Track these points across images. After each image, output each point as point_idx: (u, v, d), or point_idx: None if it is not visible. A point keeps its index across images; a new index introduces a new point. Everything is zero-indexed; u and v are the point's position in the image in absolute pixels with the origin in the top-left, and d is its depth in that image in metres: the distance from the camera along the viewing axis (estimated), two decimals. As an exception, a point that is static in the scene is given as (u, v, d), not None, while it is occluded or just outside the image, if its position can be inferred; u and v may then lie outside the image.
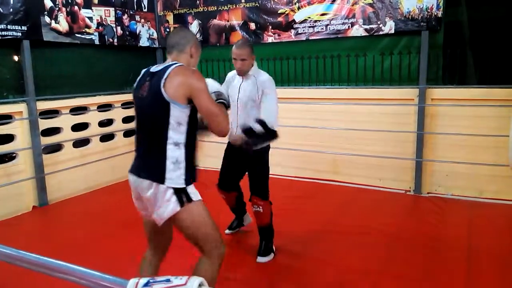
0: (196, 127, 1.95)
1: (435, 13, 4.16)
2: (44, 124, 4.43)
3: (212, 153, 5.59)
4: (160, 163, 1.84)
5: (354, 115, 4.72)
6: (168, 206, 1.85)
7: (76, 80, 4.86)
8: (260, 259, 3.02)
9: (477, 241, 3.24)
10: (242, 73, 2.93)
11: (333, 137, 4.86)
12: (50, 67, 4.57)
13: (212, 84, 2.08)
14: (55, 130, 4.64)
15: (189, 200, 1.88)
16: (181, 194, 1.86)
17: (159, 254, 2.17)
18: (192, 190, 1.92)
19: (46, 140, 4.46)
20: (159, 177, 1.83)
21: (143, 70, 2.03)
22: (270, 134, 2.73)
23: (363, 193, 4.56)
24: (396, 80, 4.55)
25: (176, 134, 1.86)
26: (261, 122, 2.73)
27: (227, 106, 2.06)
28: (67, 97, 4.66)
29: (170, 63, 1.91)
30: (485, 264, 2.89)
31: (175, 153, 1.86)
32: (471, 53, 4.28)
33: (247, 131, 2.75)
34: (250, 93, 2.90)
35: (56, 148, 4.64)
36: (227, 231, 3.49)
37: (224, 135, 1.94)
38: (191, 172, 1.91)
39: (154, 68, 1.94)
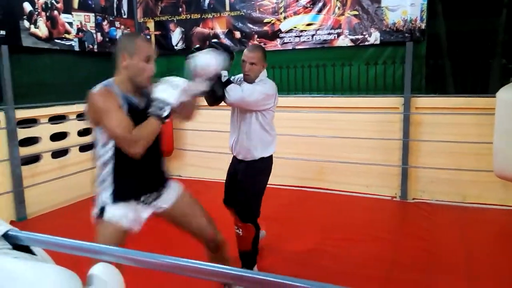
0: None
1: (419, 25, 4.32)
2: (22, 133, 4.19)
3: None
4: None
5: (340, 123, 4.79)
6: None
7: (55, 88, 4.62)
8: None
9: (472, 243, 3.38)
10: (248, 79, 2.75)
11: (319, 145, 4.90)
12: (28, 74, 4.34)
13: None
14: (31, 140, 4.39)
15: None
16: None
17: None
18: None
19: (25, 151, 4.21)
20: None
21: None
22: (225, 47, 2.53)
23: (351, 200, 4.62)
24: (381, 89, 4.67)
25: None
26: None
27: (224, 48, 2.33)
28: (46, 105, 4.43)
29: None
30: (484, 265, 3.00)
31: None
32: (453, 64, 4.48)
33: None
34: None
35: (32, 159, 4.39)
36: None
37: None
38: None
39: None
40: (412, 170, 4.58)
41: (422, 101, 4.48)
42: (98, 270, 0.85)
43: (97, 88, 1.86)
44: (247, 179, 2.82)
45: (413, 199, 4.58)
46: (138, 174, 1.95)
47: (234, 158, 2.99)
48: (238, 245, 2.85)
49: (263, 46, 4.88)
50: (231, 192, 3.01)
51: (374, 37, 4.53)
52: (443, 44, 4.50)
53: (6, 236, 0.87)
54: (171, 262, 0.81)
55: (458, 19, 4.45)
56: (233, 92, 2.61)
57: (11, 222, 4.04)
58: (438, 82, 4.58)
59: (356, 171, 4.77)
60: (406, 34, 4.38)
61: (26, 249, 0.92)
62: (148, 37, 5.63)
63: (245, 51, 2.77)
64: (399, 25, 4.40)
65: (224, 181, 3.11)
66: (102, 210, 1.92)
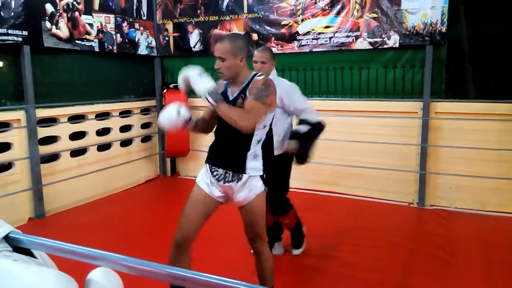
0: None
1: (440, 28, 4.24)
2: (42, 132, 4.28)
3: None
4: None
5: (357, 127, 4.74)
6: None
7: (75, 88, 4.72)
8: (295, 252, 3.29)
9: (490, 253, 3.28)
10: None
11: (335, 148, 4.84)
12: (49, 74, 4.43)
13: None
14: (49, 139, 4.48)
15: None
16: None
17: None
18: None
19: (44, 149, 4.30)
20: None
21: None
22: (317, 126, 2.85)
23: (367, 205, 4.56)
24: (399, 93, 4.60)
25: None
26: (303, 121, 2.85)
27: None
28: (66, 105, 4.52)
29: None
30: (504, 275, 2.91)
31: None
32: (474, 68, 4.37)
33: (297, 135, 2.86)
34: None
35: (51, 157, 4.48)
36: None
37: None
38: None
39: None
40: (430, 176, 4.49)
41: (442, 106, 4.39)
42: (97, 275, 0.85)
43: None
44: (272, 176, 2.90)
45: (431, 205, 4.48)
46: (213, 147, 2.31)
47: None
48: (287, 229, 3.27)
49: (281, 48, 4.91)
50: None
51: (393, 40, 4.46)
52: (464, 48, 4.39)
53: (7, 238, 0.88)
54: (168, 271, 0.80)
55: (480, 22, 4.33)
56: (313, 115, 2.88)
57: (30, 219, 4.14)
58: (459, 87, 4.47)
59: (372, 176, 4.71)
60: (426, 38, 4.30)
61: (27, 252, 0.92)
62: (167, 38, 5.69)
63: (255, 52, 2.96)
64: (419, 28, 4.32)
65: None
66: None
